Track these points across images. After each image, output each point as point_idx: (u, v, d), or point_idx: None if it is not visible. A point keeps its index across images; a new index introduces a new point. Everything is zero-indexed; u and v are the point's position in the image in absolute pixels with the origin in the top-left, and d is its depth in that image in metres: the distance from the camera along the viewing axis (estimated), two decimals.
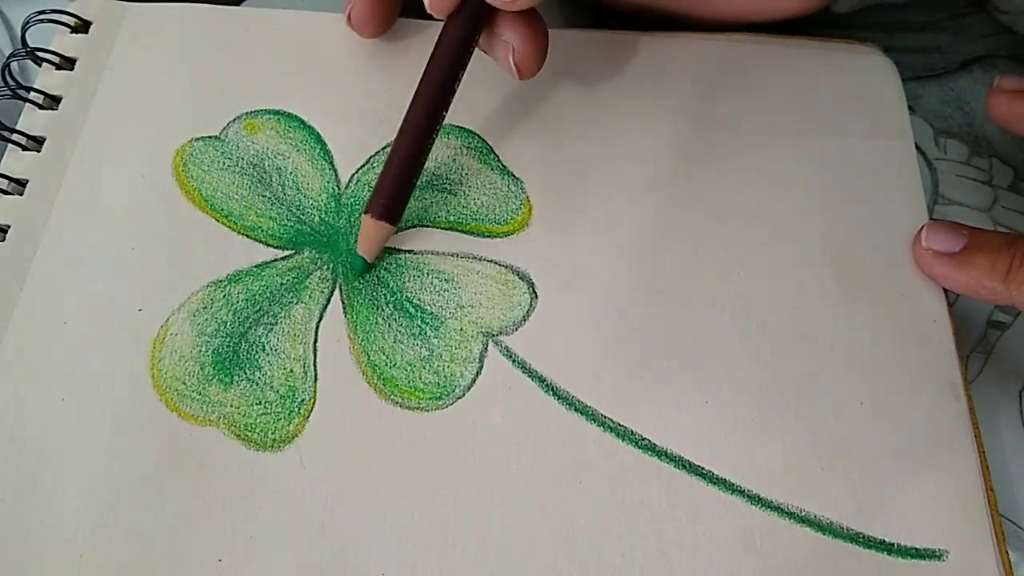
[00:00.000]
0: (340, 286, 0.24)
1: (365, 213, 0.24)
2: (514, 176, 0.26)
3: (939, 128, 0.31)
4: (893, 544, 0.22)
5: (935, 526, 0.22)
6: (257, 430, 0.22)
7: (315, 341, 0.23)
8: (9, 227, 0.25)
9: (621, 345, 0.24)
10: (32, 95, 0.27)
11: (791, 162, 0.27)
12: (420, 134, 0.24)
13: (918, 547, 0.22)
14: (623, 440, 0.22)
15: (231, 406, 0.22)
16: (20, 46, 0.28)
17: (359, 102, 0.27)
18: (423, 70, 0.24)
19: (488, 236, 0.25)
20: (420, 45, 0.28)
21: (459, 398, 0.23)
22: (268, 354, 0.23)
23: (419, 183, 0.24)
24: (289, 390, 0.23)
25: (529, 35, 0.25)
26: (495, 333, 0.24)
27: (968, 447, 0.23)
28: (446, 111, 0.24)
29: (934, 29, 0.32)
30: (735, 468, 0.22)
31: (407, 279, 0.24)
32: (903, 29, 0.32)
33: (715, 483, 0.22)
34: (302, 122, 0.27)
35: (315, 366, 0.23)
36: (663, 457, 0.22)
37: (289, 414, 0.22)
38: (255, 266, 0.24)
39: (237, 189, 0.26)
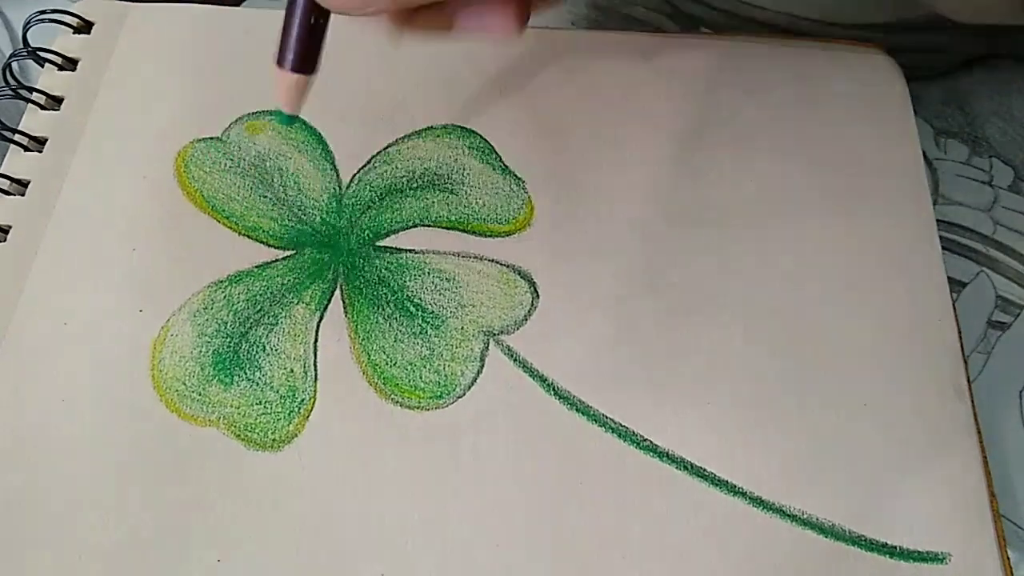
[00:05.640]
0: (341, 286, 0.24)
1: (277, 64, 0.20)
2: (516, 176, 0.26)
3: (939, 128, 0.31)
4: (895, 547, 0.21)
5: (938, 529, 0.22)
6: (257, 430, 0.22)
7: (315, 341, 0.23)
8: (10, 227, 0.25)
9: (623, 345, 0.24)
10: (34, 96, 0.27)
11: (794, 162, 0.27)
12: None
13: (921, 550, 0.21)
14: (624, 441, 0.22)
15: (231, 406, 0.22)
16: (21, 46, 0.28)
17: (360, 102, 0.27)
18: None
19: (490, 235, 0.25)
20: (421, 44, 0.28)
21: (460, 397, 0.23)
22: (268, 354, 0.23)
23: (420, 182, 0.24)
24: (289, 390, 0.23)
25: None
26: (496, 332, 0.24)
27: (972, 450, 0.23)
28: None
29: (934, 29, 0.32)
30: (737, 470, 0.22)
31: (408, 278, 0.24)
32: (903, 29, 0.32)
33: (717, 485, 0.22)
34: (303, 123, 0.27)
35: (315, 366, 0.23)
36: (664, 458, 0.22)
37: (289, 414, 0.22)
38: (256, 267, 0.24)
39: (238, 190, 0.26)
